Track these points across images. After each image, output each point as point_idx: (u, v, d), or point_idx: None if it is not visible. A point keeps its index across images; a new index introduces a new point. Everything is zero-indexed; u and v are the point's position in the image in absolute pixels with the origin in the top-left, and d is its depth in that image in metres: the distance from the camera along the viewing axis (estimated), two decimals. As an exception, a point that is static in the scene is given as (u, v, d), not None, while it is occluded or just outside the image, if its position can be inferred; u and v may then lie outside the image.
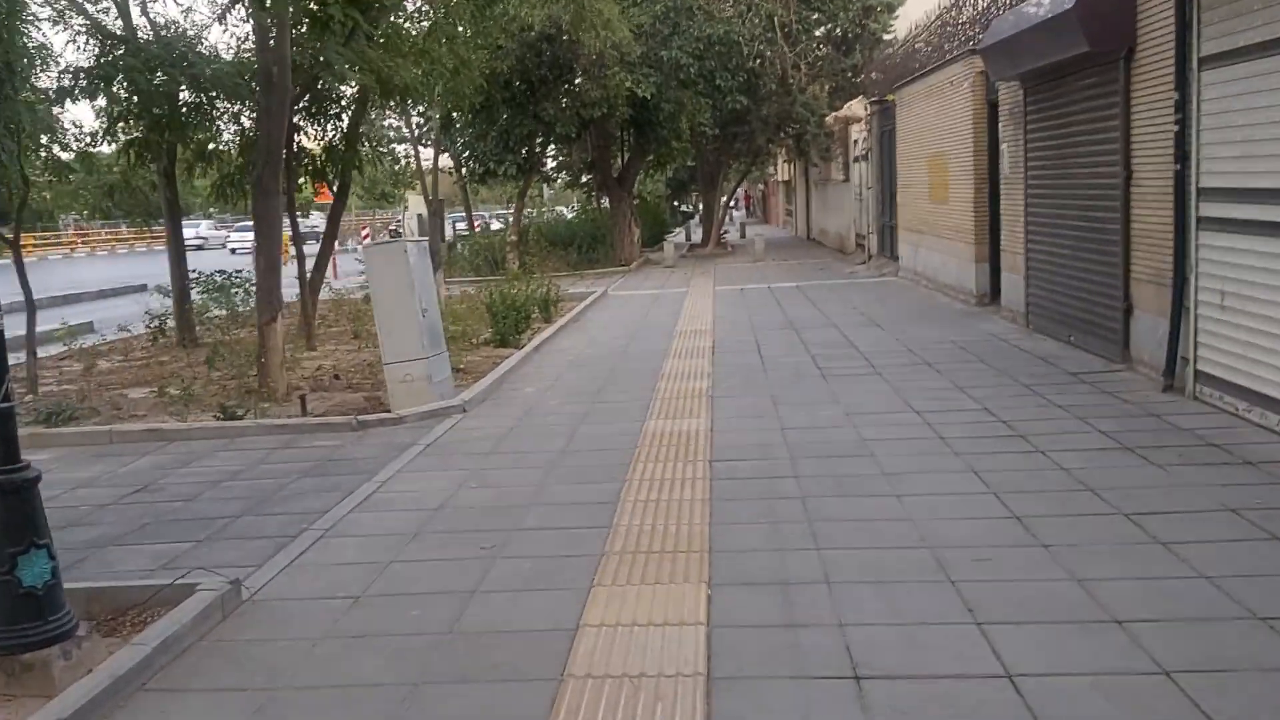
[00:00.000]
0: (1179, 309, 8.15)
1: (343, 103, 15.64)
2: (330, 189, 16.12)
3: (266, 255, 10.83)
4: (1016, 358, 10.36)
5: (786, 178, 47.54)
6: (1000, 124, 13.27)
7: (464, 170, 24.61)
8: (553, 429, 8.31)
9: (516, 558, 5.23)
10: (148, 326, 15.20)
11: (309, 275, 15.71)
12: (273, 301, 10.69)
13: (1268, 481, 5.76)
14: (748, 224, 49.97)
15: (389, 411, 9.22)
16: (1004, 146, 13.09)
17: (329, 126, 15.75)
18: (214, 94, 14.08)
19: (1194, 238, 7.91)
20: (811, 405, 8.62)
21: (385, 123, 29.09)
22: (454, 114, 24.30)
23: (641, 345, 12.92)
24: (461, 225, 37.57)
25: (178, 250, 15.52)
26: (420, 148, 28.90)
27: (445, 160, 28.92)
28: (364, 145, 17.03)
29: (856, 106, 25.32)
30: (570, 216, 38.13)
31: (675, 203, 58.00)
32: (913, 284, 18.43)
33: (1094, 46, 9.24)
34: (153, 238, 65.83)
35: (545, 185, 44.51)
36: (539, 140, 26.20)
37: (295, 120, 15.40)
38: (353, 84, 14.87)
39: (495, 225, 46.06)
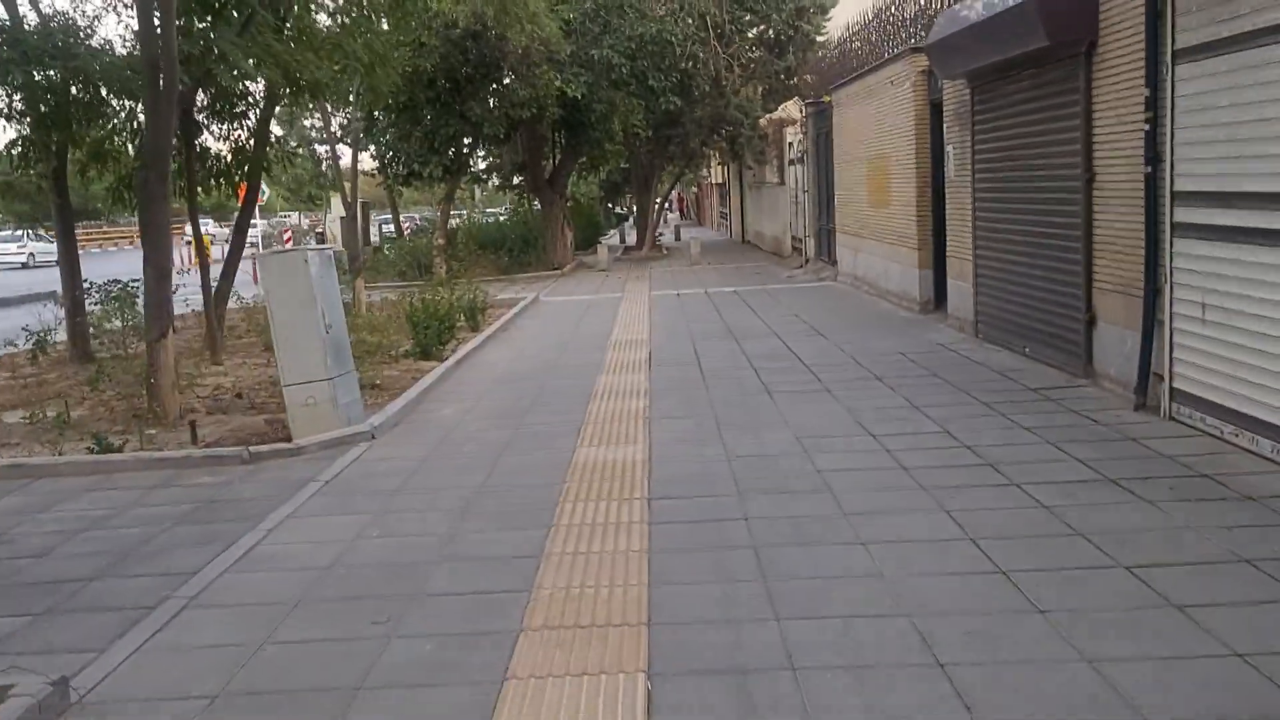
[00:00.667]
0: (1151, 322, 7.54)
1: (250, 100, 14.55)
2: (236, 192, 15.00)
3: (155, 265, 9.77)
4: (971, 371, 9.72)
5: (720, 180, 47.03)
6: (945, 125, 12.68)
7: (388, 172, 23.52)
8: (471, 459, 7.43)
9: (416, 636, 4.36)
10: (26, 342, 13.92)
11: (216, 283, 14.62)
12: (162, 316, 9.64)
13: (1278, 523, 5.12)
14: (682, 226, 49.38)
15: (289, 439, 8.26)
16: (949, 148, 12.50)
17: (235, 126, 14.66)
18: (106, 90, 12.93)
19: (1168, 245, 7.30)
20: (758, 428, 7.86)
21: (306, 122, 27.91)
22: (375, 114, 23.24)
23: (573, 358, 12.08)
24: (389, 228, 36.40)
25: (69, 257, 14.28)
26: (344, 147, 27.73)
27: (370, 162, 27.83)
28: (275, 146, 15.97)
29: (792, 108, 24.76)
30: (502, 219, 37.18)
31: (610, 205, 57.26)
32: (853, 289, 17.85)
33: (1053, 40, 8.63)
34: (119, 236, 62.14)
35: (477, 187, 43.43)
36: (466, 141, 25.22)
37: (199, 119, 14.33)
38: (259, 80, 13.81)
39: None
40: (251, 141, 14.76)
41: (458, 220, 33.80)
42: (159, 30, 9.14)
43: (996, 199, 10.99)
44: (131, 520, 6.43)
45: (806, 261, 23.01)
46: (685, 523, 5.67)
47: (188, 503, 6.74)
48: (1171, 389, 7.30)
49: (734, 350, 11.84)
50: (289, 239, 36.37)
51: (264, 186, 53.23)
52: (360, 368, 11.46)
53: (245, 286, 23.80)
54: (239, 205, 44.54)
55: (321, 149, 23.37)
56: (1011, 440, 7.04)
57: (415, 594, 4.84)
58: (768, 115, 28.92)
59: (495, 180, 32.49)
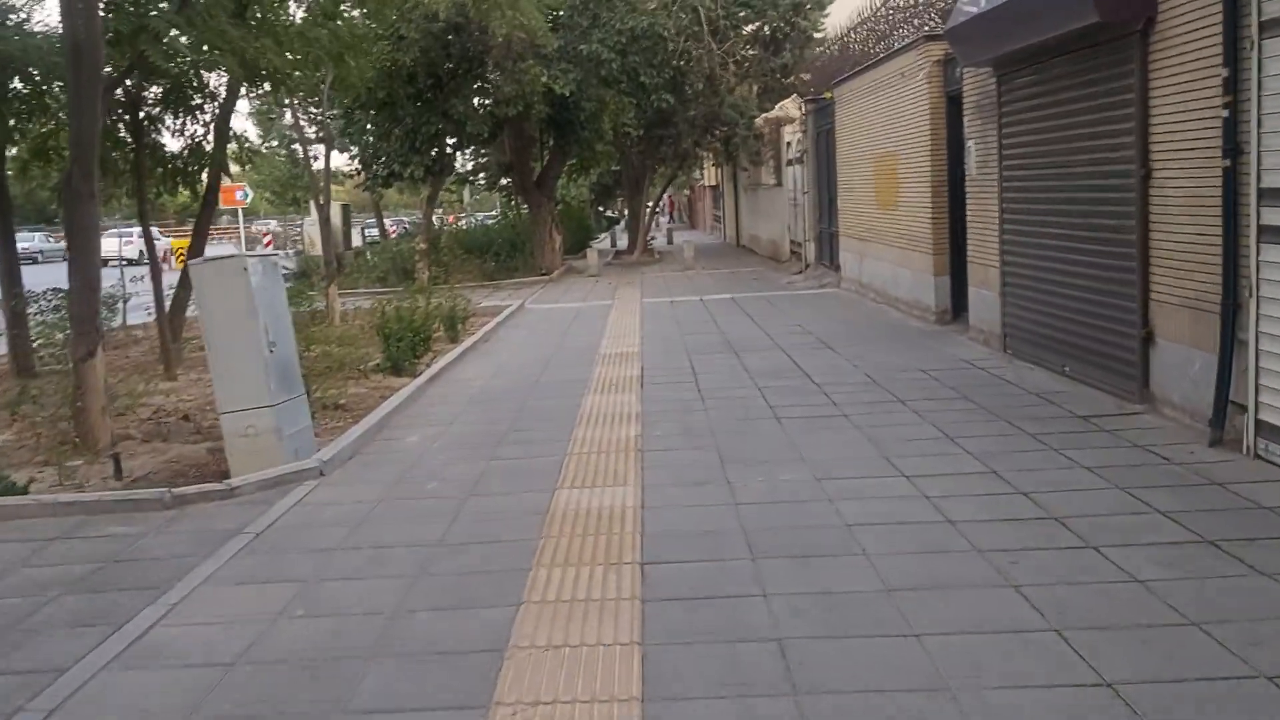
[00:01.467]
0: (1230, 342, 6.44)
1: (207, 94, 13.39)
2: (188, 189, 13.82)
3: (82, 274, 8.61)
4: (1005, 393, 8.62)
5: (714, 182, 45.97)
6: (965, 118, 11.59)
7: (367, 173, 22.37)
8: (432, 505, 6.29)
9: (328, 785, 3.24)
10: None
11: (174, 291, 13.49)
12: (89, 332, 8.48)
13: None
14: (674, 229, 48.30)
15: (225, 478, 7.12)
16: (970, 144, 11.41)
17: (192, 121, 13.49)
18: (42, 78, 11.78)
19: (1253, 252, 6.20)
20: (768, 464, 6.74)
21: (288, 120, 26.69)
22: (354, 111, 22.08)
23: (558, 374, 10.95)
24: (374, 231, 35.26)
25: (9, 264, 13.07)
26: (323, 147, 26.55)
27: (349, 162, 26.65)
28: (240, 143, 14.82)
29: (790, 106, 23.68)
30: (490, 222, 36.02)
31: (600, 208, 56.22)
32: (858, 297, 16.75)
33: (1106, 17, 7.54)
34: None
35: (467, 188, 42.25)
36: (450, 141, 24.09)
37: (153, 111, 13.19)
38: (199, 64, 12.63)
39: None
40: (210, 138, 13.61)
41: (443, 223, 32.72)
42: (80, 4, 7.98)
43: (1028, 199, 9.89)
44: (11, 587, 5.29)
45: (806, 267, 21.93)
46: (688, 599, 4.54)
47: (87, 562, 5.59)
48: (1257, 421, 6.21)
49: (734, 366, 10.72)
50: (270, 243, 35.18)
51: (246, 189, 51.86)
52: (323, 385, 10.34)
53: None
54: (227, 207, 42.42)
55: (300, 149, 22.11)
56: (1072, 484, 5.93)
57: (335, 709, 3.71)
58: (764, 114, 27.86)
59: (483, 181, 31.34)
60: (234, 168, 55.69)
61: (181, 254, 44.91)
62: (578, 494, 6.27)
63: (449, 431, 8.43)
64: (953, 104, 12.61)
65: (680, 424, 8.12)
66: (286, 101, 20.44)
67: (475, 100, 22.33)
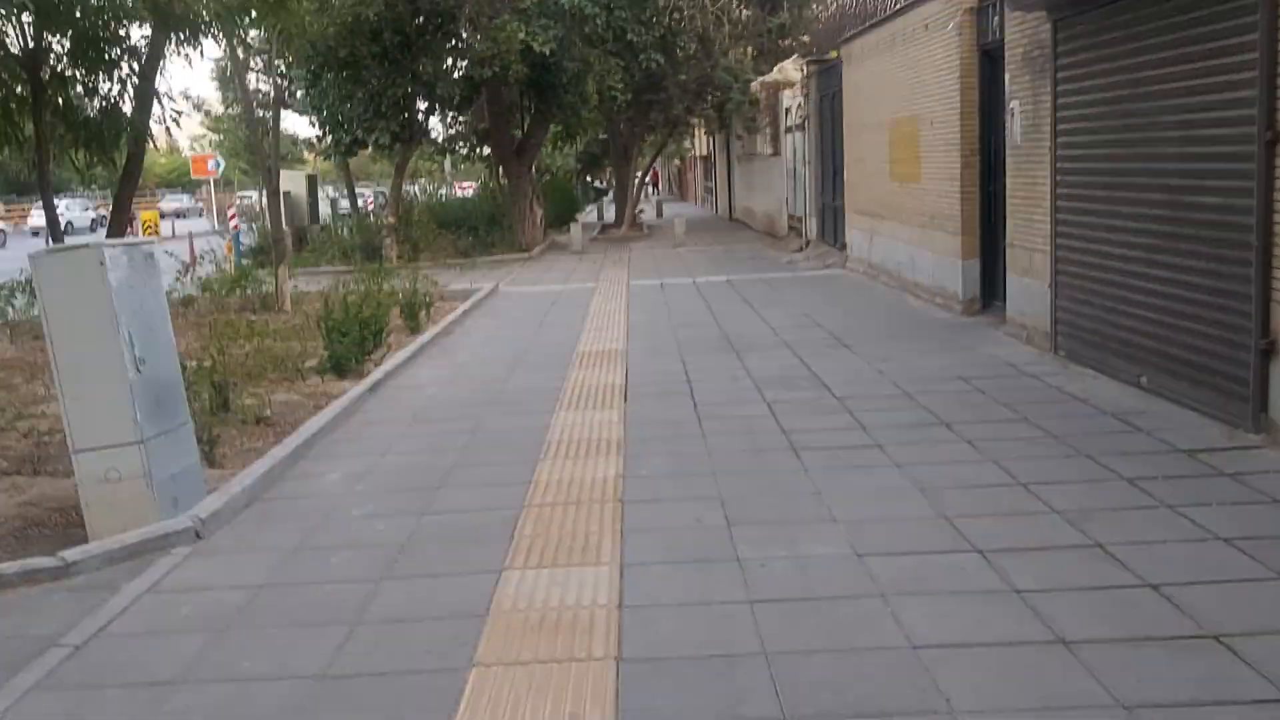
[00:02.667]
0: None
1: (125, 48, 11.53)
2: (108, 160, 11.98)
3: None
4: (1075, 414, 6.94)
5: (705, 152, 44.09)
6: (1008, 74, 9.84)
7: (328, 140, 20.52)
8: (332, 594, 4.60)
9: None
10: None
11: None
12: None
13: None
14: (665, 201, 46.45)
15: (81, 526, 5.41)
16: (1014, 105, 9.68)
17: (106, 79, 11.63)
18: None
19: None
20: (791, 525, 5.07)
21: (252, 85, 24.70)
22: (321, 72, 20.12)
23: (526, 379, 9.26)
24: (345, 203, 33.38)
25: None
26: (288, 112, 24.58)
27: (310, 129, 24.75)
28: (164, 103, 12.95)
29: (789, 69, 21.85)
30: (470, 194, 34.14)
31: (588, 178, 54.31)
32: (868, 280, 15.05)
33: (1225, -68, 5.81)
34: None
35: (447, 158, 40.22)
36: (422, 105, 22.21)
37: (58, 69, 11.35)
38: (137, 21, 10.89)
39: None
40: (132, 99, 11.77)
41: (419, 193, 30.81)
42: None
43: (1093, 170, 8.17)
44: None
45: (807, 244, 20.20)
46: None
47: None
48: None
49: (736, 370, 9.03)
50: (234, 217, 33.23)
51: (218, 159, 49.55)
52: (250, 391, 8.65)
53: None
54: (198, 177, 39.99)
55: (265, 113, 20.24)
56: (1215, 568, 4.28)
57: None
58: (760, 78, 26.02)
59: (463, 150, 29.44)
60: (208, 135, 52.80)
61: (150, 226, 42.82)
62: (533, 579, 4.58)
63: (381, 465, 6.72)
64: (987, 59, 10.88)
65: (673, 458, 6.43)
66: (243, 58, 18.56)
67: (448, 60, 20.46)
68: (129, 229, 13.62)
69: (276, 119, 15.10)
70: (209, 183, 49.01)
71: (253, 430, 7.78)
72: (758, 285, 15.36)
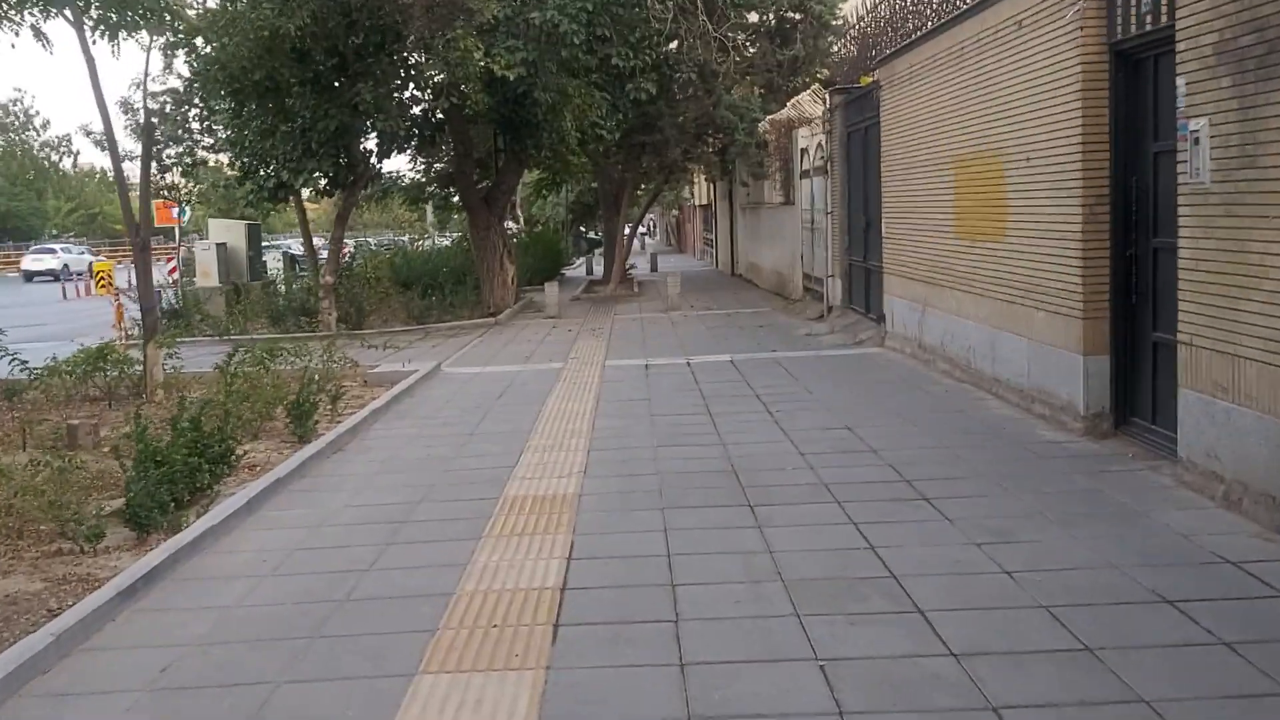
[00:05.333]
0: None
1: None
2: None
3: None
4: None
5: (705, 201, 40.70)
6: (1183, 80, 6.25)
7: (248, 183, 16.98)
8: None
9: None
10: None
11: None
12: None
13: None
14: (660, 254, 42.95)
15: None
16: (1197, 126, 6.08)
17: None
18: None
19: None
20: None
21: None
22: (235, 100, 16.59)
23: (402, 563, 5.56)
24: (297, 252, 29.82)
25: None
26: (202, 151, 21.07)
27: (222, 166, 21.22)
28: None
29: (806, 102, 18.39)
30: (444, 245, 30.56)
31: (582, 229, 51.00)
32: (919, 364, 11.40)
33: None
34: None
35: (429, 208, 36.65)
36: (372, 143, 18.67)
37: None
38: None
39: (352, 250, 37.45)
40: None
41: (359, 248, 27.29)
42: None
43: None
44: None
45: (829, 311, 16.58)
46: None
47: None
48: None
49: (753, 555, 5.34)
50: (174, 270, 29.67)
51: (183, 206, 46.00)
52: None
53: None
54: (163, 225, 36.05)
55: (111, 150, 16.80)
56: None
57: None
58: (769, 117, 22.63)
59: (424, 199, 25.98)
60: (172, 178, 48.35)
61: (104, 279, 37.98)
62: None
63: None
64: (1122, 64, 7.33)
65: None
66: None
67: (398, 89, 16.99)
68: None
69: (145, 161, 11.53)
70: (175, 231, 45.76)
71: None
72: (771, 370, 11.70)
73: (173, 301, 19.57)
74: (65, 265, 44.82)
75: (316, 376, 10.96)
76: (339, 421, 9.81)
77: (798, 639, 4.25)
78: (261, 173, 16.51)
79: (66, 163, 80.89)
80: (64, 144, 79.98)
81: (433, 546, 5.77)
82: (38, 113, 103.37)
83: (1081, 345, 7.69)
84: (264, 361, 10.99)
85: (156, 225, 48.72)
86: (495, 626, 4.52)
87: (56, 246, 51.04)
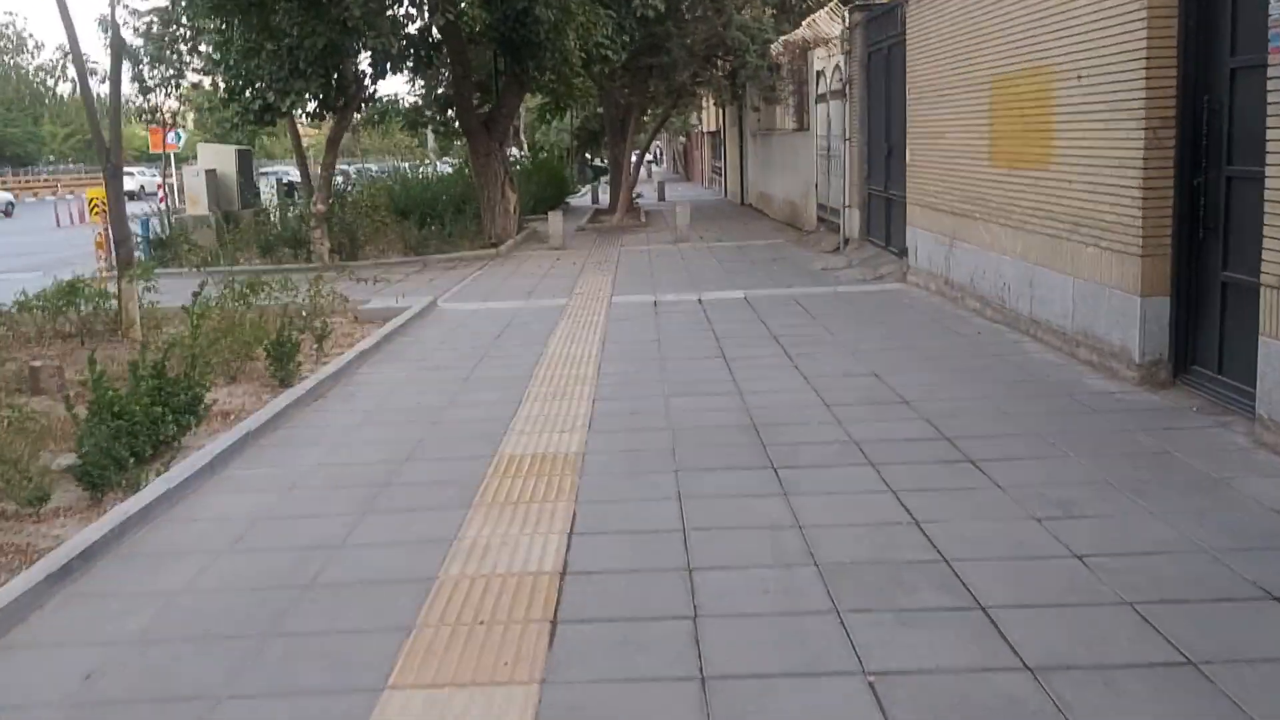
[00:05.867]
0: None
1: None
2: None
3: None
4: None
5: (713, 128, 39.49)
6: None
7: (233, 106, 16.04)
8: None
9: None
10: None
11: None
12: None
13: None
14: (667, 183, 41.87)
15: None
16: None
17: None
18: None
19: None
20: None
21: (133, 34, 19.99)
22: (223, 20, 15.61)
23: (382, 538, 4.89)
24: (294, 179, 28.87)
25: None
26: (189, 73, 20.06)
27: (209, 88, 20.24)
28: None
29: (823, 21, 17.32)
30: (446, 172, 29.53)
31: (588, 155, 49.73)
32: (947, 302, 10.65)
33: None
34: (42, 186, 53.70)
35: (429, 133, 35.49)
36: (365, 63, 17.67)
37: None
38: None
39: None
40: None
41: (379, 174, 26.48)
42: None
43: None
44: None
45: (845, 243, 15.76)
46: None
47: None
48: None
49: (779, 527, 4.67)
50: (163, 196, 28.81)
51: (178, 131, 44.55)
52: None
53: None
54: (155, 152, 34.65)
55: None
56: None
57: None
58: (782, 38, 21.54)
59: (425, 123, 24.94)
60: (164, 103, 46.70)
61: (98, 206, 36.62)
62: None
63: None
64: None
65: None
66: None
67: (389, 4, 15.97)
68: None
69: (115, 76, 10.64)
70: (169, 157, 44.67)
71: None
72: (788, 308, 10.95)
73: (159, 231, 18.76)
74: (142, 186, 44.21)
75: (304, 313, 10.28)
76: (326, 362, 9.13)
77: (840, 645, 3.58)
78: (247, 94, 15.56)
79: (64, 87, 79.35)
80: (59, 68, 78.38)
81: (415, 517, 5.10)
82: (30, 34, 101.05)
83: (1139, 285, 6.92)
84: (245, 296, 10.30)
85: (151, 151, 47.56)
86: (482, 623, 3.85)
87: (133, 170, 49.25)
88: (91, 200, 33.26)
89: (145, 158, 54.67)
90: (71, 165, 72.31)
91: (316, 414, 7.40)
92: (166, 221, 19.02)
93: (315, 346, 9.61)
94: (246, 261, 17.19)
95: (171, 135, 39.72)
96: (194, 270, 16.59)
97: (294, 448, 6.53)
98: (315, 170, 28.01)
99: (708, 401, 7.12)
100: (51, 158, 79.29)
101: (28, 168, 75.05)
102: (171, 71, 17.85)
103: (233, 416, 7.37)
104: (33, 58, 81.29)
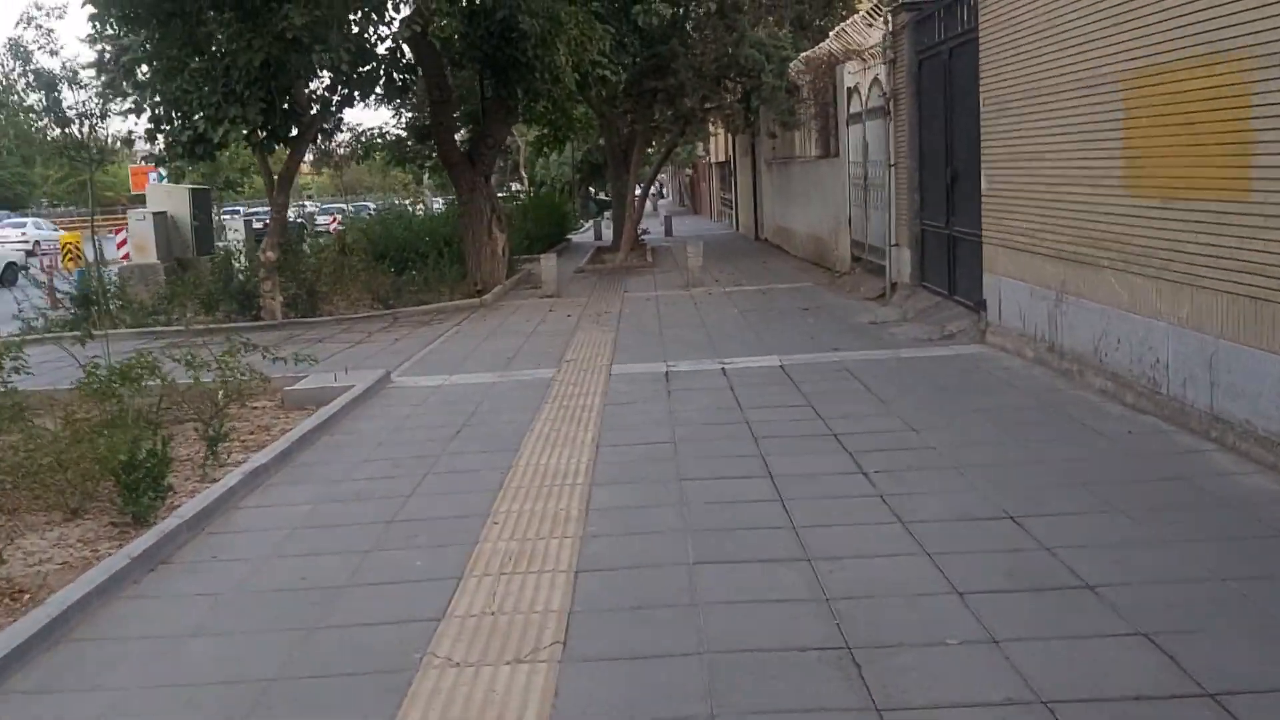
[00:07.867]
0: None
1: None
2: None
3: None
4: None
5: (723, 157, 37.03)
6: None
7: (162, 138, 13.50)
8: None
9: None
10: None
11: None
12: None
13: None
14: (673, 216, 39.37)
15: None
16: None
17: None
18: None
19: None
20: None
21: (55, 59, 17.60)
22: (146, 32, 13.09)
23: None
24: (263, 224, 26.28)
25: None
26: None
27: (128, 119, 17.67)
28: None
29: (856, 30, 14.80)
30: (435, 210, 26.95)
31: (591, 189, 47.41)
32: (1056, 376, 7.95)
33: None
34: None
35: (422, 168, 32.92)
36: (324, 82, 15.13)
37: None
38: None
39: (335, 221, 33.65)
40: None
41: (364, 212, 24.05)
42: None
43: None
44: None
45: (892, 289, 13.10)
46: None
47: None
48: None
49: None
50: (124, 248, 26.24)
51: (161, 171, 41.87)
52: None
53: None
54: (137, 192, 31.86)
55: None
56: None
57: None
58: (803, 54, 19.09)
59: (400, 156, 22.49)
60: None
61: (71, 251, 33.39)
62: None
63: None
64: None
65: None
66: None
67: (336, 8, 13.44)
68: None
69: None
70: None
71: None
72: (842, 384, 8.28)
73: (89, 285, 16.15)
74: (38, 242, 41.50)
75: (219, 395, 7.76)
76: (216, 479, 6.53)
77: None
78: (176, 123, 13.01)
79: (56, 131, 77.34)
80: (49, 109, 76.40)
81: None
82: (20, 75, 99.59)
83: None
84: (129, 379, 7.70)
85: (133, 192, 45.01)
86: None
87: (26, 221, 46.52)
88: (64, 246, 30.49)
89: (135, 199, 52.07)
90: (56, 208, 70.04)
91: (134, 604, 4.72)
92: (93, 274, 16.37)
93: (207, 455, 7.02)
94: (186, 320, 14.59)
95: (153, 175, 37.28)
96: (133, 331, 14.16)
97: (62, 694, 3.85)
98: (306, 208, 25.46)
99: (758, 580, 4.43)
100: (43, 201, 77.24)
101: (16, 212, 72.93)
102: (95, 99, 15.33)
103: (27, 597, 4.75)
104: (22, 98, 79.82)
